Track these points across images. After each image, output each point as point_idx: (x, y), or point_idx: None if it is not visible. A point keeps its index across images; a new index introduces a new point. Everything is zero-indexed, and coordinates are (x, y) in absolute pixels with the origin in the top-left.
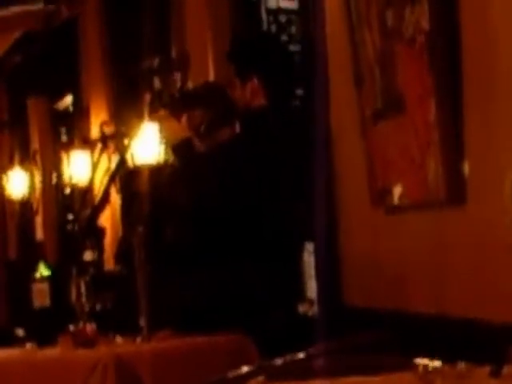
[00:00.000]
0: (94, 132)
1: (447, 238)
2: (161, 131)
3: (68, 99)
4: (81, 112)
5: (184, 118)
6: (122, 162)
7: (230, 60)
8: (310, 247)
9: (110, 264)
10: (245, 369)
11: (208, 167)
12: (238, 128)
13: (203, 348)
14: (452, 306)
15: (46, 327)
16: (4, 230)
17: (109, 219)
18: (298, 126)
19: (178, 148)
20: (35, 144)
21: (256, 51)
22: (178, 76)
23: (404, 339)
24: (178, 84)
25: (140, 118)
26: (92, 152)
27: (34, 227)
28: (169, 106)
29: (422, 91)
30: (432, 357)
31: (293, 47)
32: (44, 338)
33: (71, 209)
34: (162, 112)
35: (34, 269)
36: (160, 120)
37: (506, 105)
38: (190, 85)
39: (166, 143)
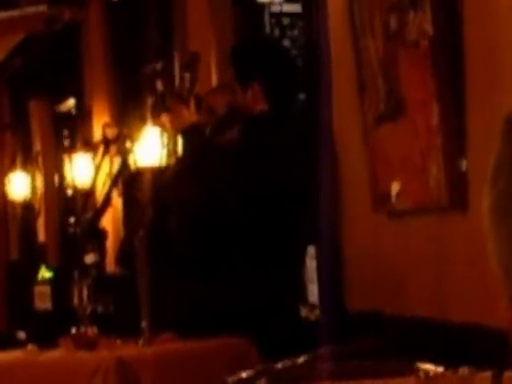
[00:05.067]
0: (97, 135)
1: (449, 243)
2: (170, 120)
3: (70, 102)
4: (83, 115)
5: (192, 104)
6: (125, 164)
7: (230, 65)
8: (312, 251)
9: (111, 267)
10: (246, 373)
11: (210, 173)
12: (238, 133)
13: (205, 352)
14: (454, 311)
15: (48, 330)
16: (6, 231)
17: (111, 222)
18: (300, 130)
19: (187, 134)
20: (37, 146)
21: (257, 55)
22: (187, 77)
23: (406, 344)
24: (187, 85)
25: (142, 121)
26: (94, 155)
27: (36, 229)
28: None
29: (425, 96)
30: (434, 361)
31: (295, 51)
32: (45, 341)
33: (73, 211)
34: (169, 109)
35: (36, 271)
36: (169, 112)
37: (508, 110)
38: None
39: (175, 130)
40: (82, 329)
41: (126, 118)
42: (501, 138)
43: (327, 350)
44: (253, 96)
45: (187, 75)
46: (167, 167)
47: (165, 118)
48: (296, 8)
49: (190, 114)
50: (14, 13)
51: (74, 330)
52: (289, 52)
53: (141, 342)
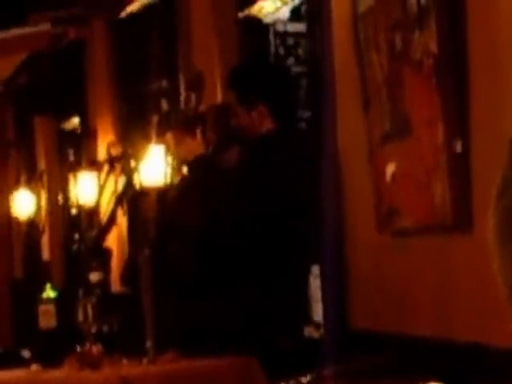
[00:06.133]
0: (101, 153)
1: (453, 262)
2: (175, 149)
3: (75, 120)
4: (88, 133)
5: (198, 135)
6: (129, 183)
7: (231, 88)
8: (316, 270)
9: (116, 285)
10: None
11: (213, 192)
12: (240, 153)
13: (209, 371)
14: (458, 330)
15: (52, 348)
16: (10, 249)
17: (115, 240)
18: (304, 148)
19: (194, 164)
20: (42, 164)
21: (257, 76)
22: (192, 96)
23: (409, 363)
24: (193, 104)
25: (147, 139)
26: (99, 173)
27: (41, 247)
28: (179, 125)
29: (430, 114)
30: (437, 380)
31: (300, 69)
32: (50, 360)
33: (78, 230)
34: (173, 132)
35: (41, 289)
36: (174, 138)
37: None
38: (204, 106)
39: (181, 161)
40: (87, 347)
41: (131, 137)
42: (506, 158)
43: (331, 370)
44: (259, 117)
45: (193, 95)
46: (171, 186)
47: (170, 140)
48: (300, 27)
49: (197, 145)
50: (19, 31)
51: (78, 349)
52: (290, 71)
53: (145, 360)
